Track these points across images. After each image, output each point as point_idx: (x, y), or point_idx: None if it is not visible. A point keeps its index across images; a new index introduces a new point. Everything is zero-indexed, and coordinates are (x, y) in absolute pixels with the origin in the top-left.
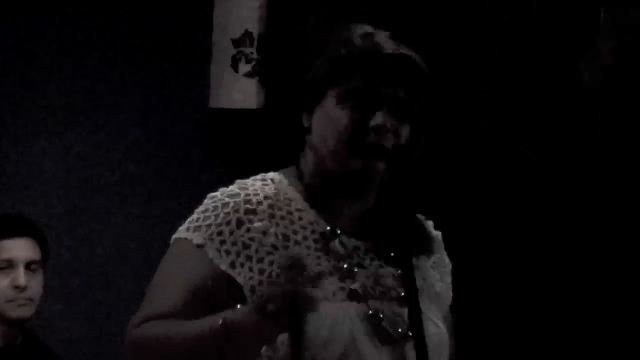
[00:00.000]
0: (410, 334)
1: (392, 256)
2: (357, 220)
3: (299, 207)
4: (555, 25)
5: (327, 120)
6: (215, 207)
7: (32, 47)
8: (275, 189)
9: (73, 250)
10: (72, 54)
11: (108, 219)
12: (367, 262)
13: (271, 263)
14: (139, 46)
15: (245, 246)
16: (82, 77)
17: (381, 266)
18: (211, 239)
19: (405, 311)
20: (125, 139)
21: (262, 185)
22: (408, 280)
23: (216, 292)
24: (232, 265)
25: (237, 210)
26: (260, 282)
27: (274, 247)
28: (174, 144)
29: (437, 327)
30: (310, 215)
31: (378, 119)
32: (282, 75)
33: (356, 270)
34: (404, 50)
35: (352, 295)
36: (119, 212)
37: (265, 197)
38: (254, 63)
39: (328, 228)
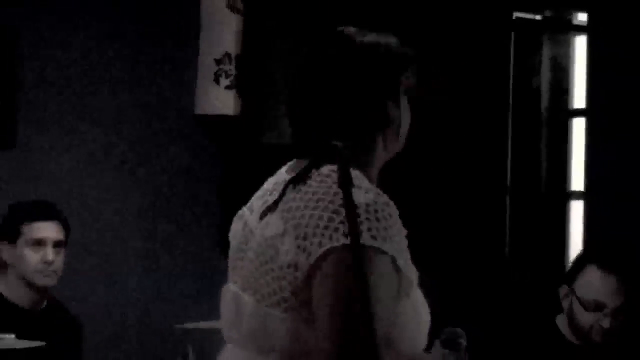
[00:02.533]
0: None
1: None
2: None
3: None
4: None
5: (405, 107)
6: (387, 215)
7: (63, 54)
8: None
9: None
10: (87, 65)
11: (109, 209)
12: None
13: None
14: (140, 63)
15: (406, 251)
16: (94, 86)
17: None
18: (399, 251)
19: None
20: (127, 138)
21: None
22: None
23: (398, 297)
24: (410, 270)
25: (397, 215)
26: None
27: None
28: (166, 143)
29: None
30: None
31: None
32: (256, 88)
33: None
34: None
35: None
36: (120, 201)
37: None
38: (232, 78)
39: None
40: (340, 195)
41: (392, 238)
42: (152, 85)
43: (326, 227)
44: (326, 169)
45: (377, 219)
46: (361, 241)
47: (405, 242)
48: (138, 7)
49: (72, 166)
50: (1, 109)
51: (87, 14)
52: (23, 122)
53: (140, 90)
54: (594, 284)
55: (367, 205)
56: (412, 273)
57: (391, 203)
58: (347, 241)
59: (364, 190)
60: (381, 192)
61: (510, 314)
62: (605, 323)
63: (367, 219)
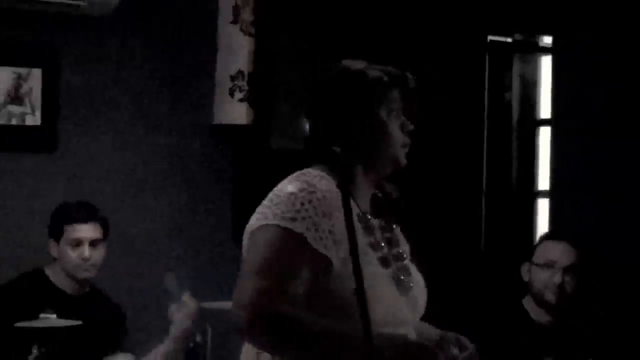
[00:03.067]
0: (412, 284)
1: (393, 228)
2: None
3: (336, 196)
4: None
5: (382, 129)
6: (306, 202)
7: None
8: (326, 183)
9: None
10: (120, 79)
11: (139, 206)
12: (381, 234)
13: (344, 243)
14: (166, 80)
15: (331, 232)
16: (126, 97)
17: (390, 236)
18: (308, 229)
19: (407, 266)
20: (154, 144)
21: (319, 180)
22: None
23: (311, 269)
24: (326, 247)
25: (321, 205)
26: (343, 260)
27: (342, 233)
28: (188, 149)
29: (421, 276)
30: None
31: (409, 125)
32: (266, 101)
33: (383, 244)
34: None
35: (383, 262)
36: (147, 199)
37: (328, 191)
38: (245, 92)
39: (360, 212)
40: (275, 187)
41: (305, 219)
42: (176, 98)
43: (256, 215)
44: (298, 171)
45: (293, 204)
46: (266, 222)
47: (330, 225)
48: (165, 32)
49: (107, 168)
50: (44, 117)
51: (119, 36)
52: (63, 128)
53: (166, 102)
54: (547, 249)
55: (291, 194)
56: (334, 252)
57: (317, 194)
58: (263, 222)
59: (290, 182)
60: (312, 185)
61: (484, 301)
62: (557, 278)
63: (278, 204)
